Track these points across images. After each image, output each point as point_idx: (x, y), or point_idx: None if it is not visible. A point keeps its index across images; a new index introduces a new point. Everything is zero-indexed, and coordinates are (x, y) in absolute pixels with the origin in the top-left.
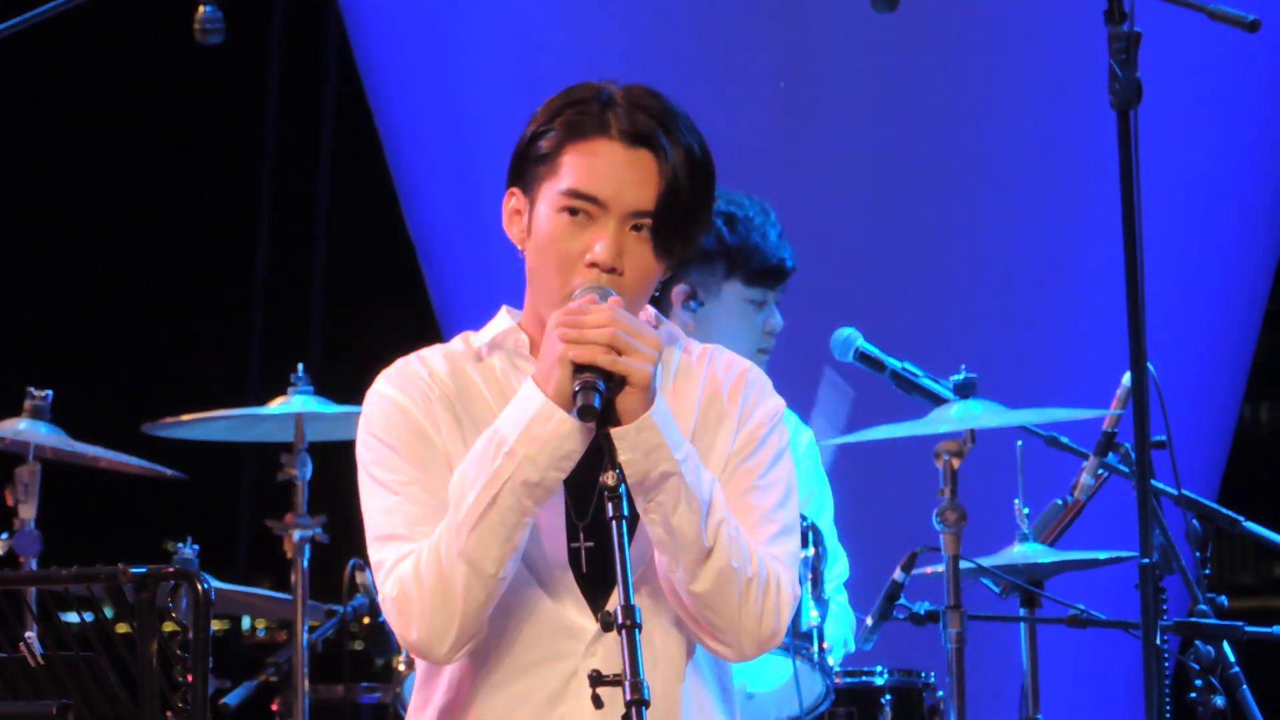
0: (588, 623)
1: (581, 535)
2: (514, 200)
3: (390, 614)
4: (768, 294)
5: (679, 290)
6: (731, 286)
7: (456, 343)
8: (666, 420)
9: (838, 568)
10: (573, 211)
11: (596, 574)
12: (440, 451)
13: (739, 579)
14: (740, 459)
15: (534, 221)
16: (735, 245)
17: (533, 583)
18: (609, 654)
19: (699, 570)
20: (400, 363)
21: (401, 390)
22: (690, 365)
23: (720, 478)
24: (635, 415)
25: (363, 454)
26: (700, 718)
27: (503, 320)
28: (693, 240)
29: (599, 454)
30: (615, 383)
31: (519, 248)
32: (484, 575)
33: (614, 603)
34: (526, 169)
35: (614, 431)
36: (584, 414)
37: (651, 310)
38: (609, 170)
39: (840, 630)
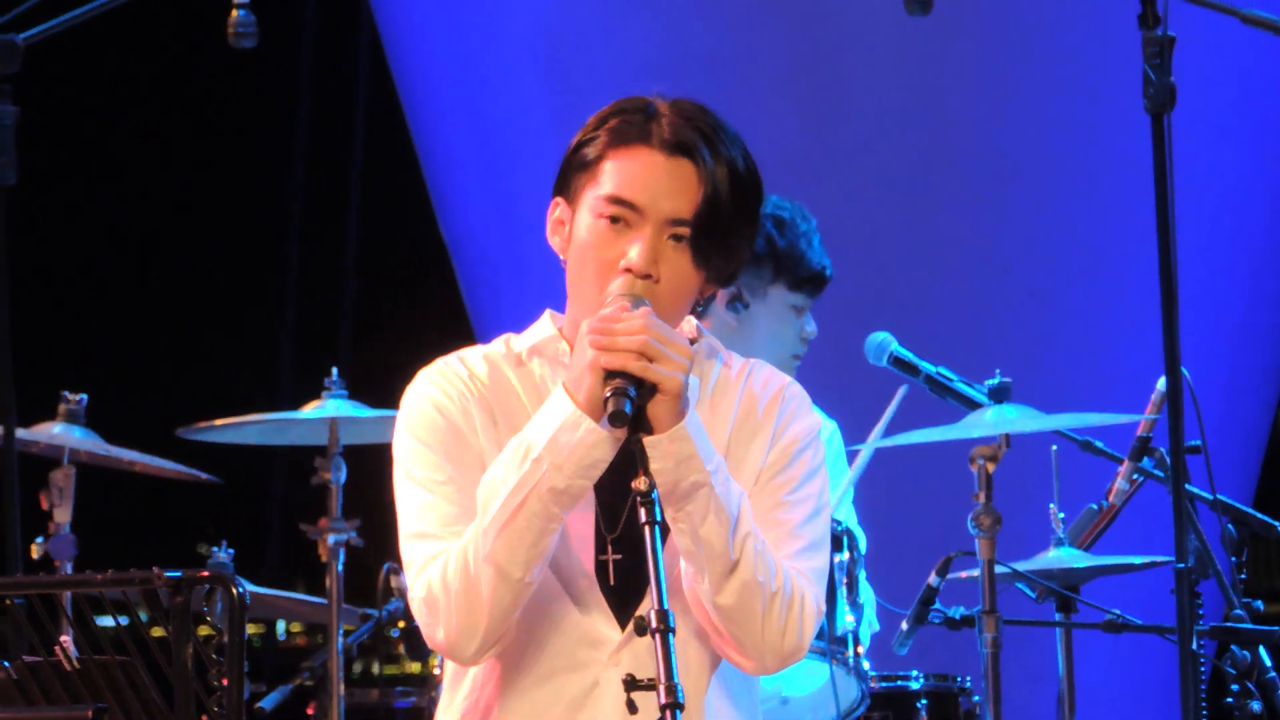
0: (613, 632)
1: (610, 548)
2: (558, 210)
3: (419, 614)
4: (808, 300)
5: (725, 290)
6: (777, 290)
7: (497, 345)
8: (699, 431)
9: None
10: (611, 219)
11: (625, 586)
12: (476, 452)
13: (763, 593)
14: (772, 474)
15: (574, 229)
16: (784, 249)
17: (560, 592)
18: (633, 663)
19: (724, 583)
20: (440, 362)
21: (440, 389)
22: (729, 379)
23: (751, 491)
24: (667, 424)
25: (399, 452)
26: None
27: (545, 326)
28: (734, 254)
29: (630, 467)
30: (646, 390)
31: (561, 257)
32: (510, 580)
33: (645, 609)
34: (570, 177)
35: (646, 440)
36: (615, 420)
37: (694, 322)
38: (648, 177)
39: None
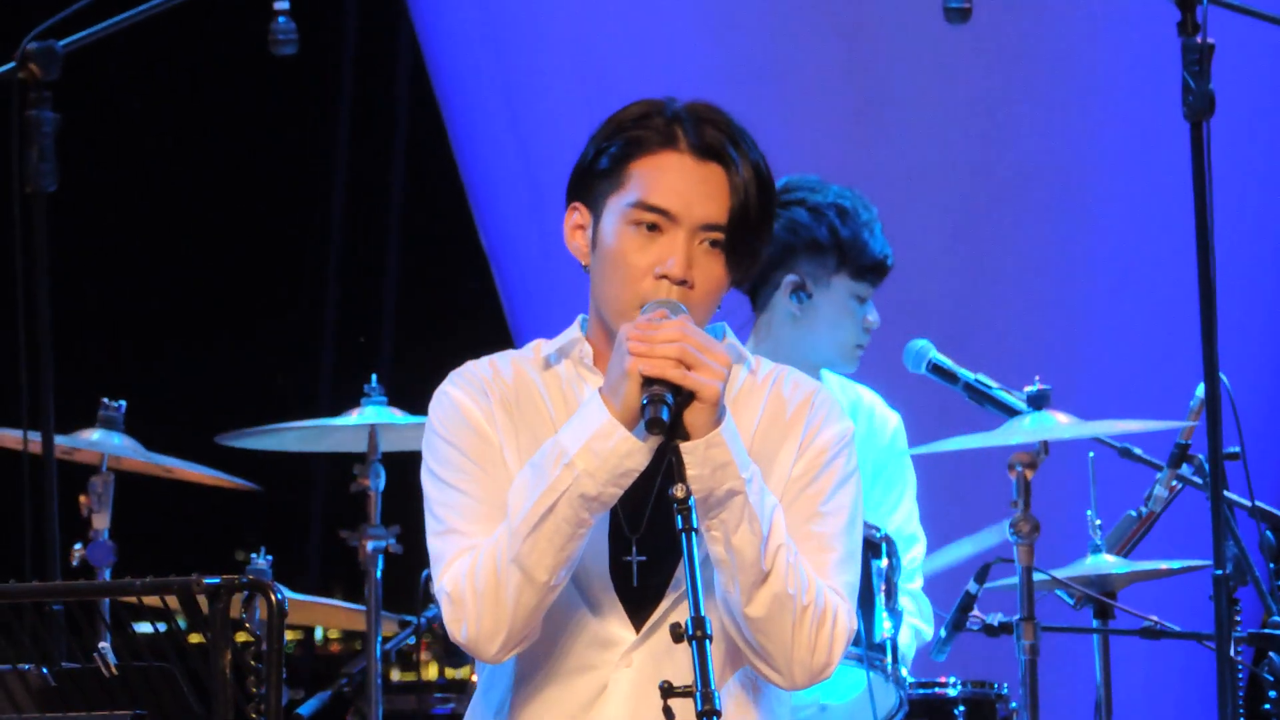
0: (627, 634)
1: (634, 549)
2: (576, 215)
3: (444, 610)
4: (871, 289)
5: (789, 280)
6: (840, 279)
7: (527, 350)
8: (734, 438)
9: (917, 549)
10: (645, 225)
11: (646, 587)
12: (500, 451)
13: (794, 606)
14: (803, 484)
15: (599, 235)
16: (847, 239)
17: (575, 594)
18: (643, 666)
19: (755, 593)
20: (468, 364)
21: (464, 390)
22: (754, 385)
23: (781, 500)
24: (703, 431)
25: (426, 450)
26: None
27: (572, 330)
28: (758, 255)
29: (656, 470)
30: (684, 397)
31: (582, 262)
32: (536, 582)
33: (660, 614)
34: (590, 184)
35: (683, 446)
36: (652, 426)
37: (723, 327)
38: (680, 183)
39: (918, 617)
